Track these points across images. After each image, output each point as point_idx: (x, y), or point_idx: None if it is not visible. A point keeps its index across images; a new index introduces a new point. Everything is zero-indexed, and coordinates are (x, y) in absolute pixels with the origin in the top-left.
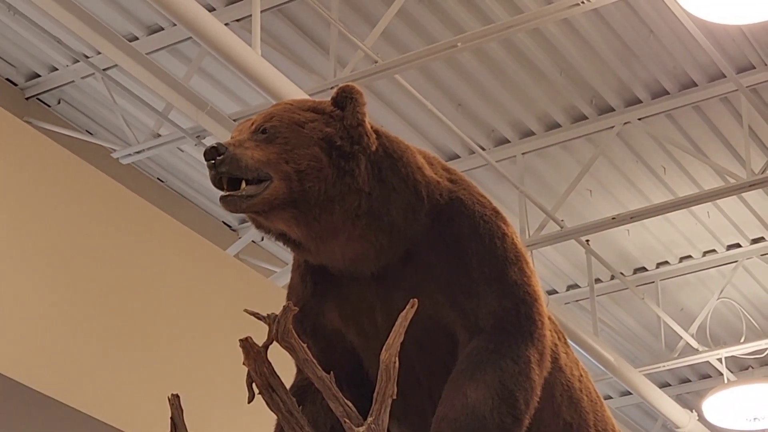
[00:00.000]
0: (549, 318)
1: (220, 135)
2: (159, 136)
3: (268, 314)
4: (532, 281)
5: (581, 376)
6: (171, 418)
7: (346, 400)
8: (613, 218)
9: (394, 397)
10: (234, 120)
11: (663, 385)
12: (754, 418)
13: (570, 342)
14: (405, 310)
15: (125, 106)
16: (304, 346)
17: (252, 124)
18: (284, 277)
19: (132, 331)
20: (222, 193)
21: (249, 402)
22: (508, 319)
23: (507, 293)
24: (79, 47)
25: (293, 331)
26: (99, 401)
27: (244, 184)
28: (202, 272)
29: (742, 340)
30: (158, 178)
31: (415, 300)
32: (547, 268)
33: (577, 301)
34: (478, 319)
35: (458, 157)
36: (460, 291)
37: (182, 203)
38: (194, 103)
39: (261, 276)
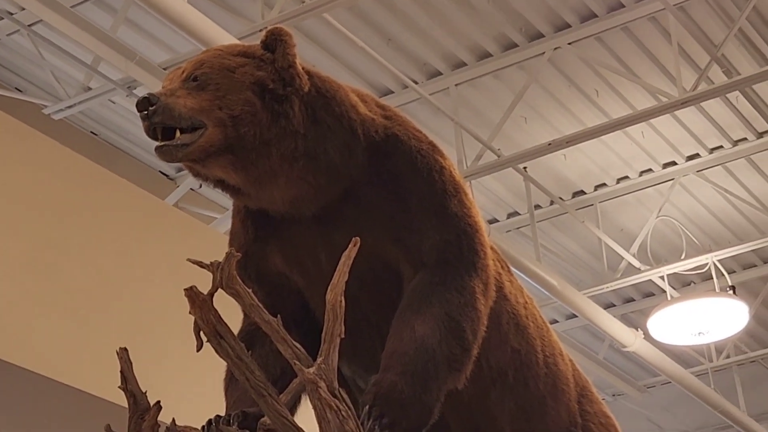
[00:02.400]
0: (491, 248)
1: (150, 85)
2: (89, 89)
3: (211, 262)
4: (472, 212)
5: (526, 303)
6: (120, 371)
7: (294, 343)
8: (549, 144)
9: (342, 336)
10: (164, 69)
11: (607, 306)
12: (699, 333)
13: (513, 269)
14: (348, 249)
15: (53, 61)
16: (249, 291)
17: (182, 72)
18: (225, 223)
19: (74, 286)
20: (157, 143)
21: (198, 350)
22: (451, 251)
23: (448, 226)
24: (2, 4)
25: (237, 277)
26: (44, 358)
27: (178, 133)
28: (141, 223)
29: (682, 257)
30: (91, 132)
31: (357, 239)
32: (486, 198)
33: (518, 228)
34: (421, 253)
35: (391, 92)
36: (402, 227)
37: (118, 155)
38: (123, 54)
39: (201, 223)
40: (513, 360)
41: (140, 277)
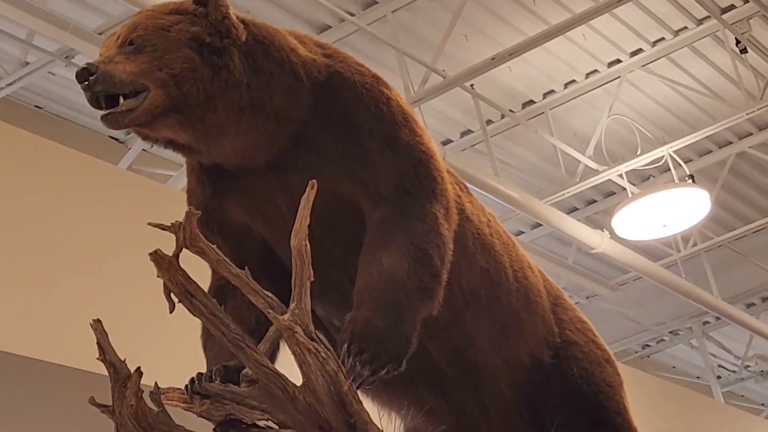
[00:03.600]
0: (448, 171)
1: (88, 52)
2: (27, 64)
3: (172, 223)
4: (424, 139)
5: (489, 221)
6: (97, 343)
7: (265, 292)
8: (493, 59)
9: (312, 279)
10: (99, 34)
11: (571, 210)
12: (663, 225)
13: (473, 187)
14: (306, 193)
15: None
16: (214, 247)
17: (118, 37)
18: (181, 179)
19: (40, 262)
20: (102, 112)
21: (170, 312)
22: (408, 180)
23: (402, 156)
24: None
25: (200, 235)
26: (14, 335)
27: (122, 100)
28: (95, 191)
29: (638, 153)
30: (36, 106)
31: (314, 181)
32: (437, 119)
33: (473, 146)
34: (378, 186)
35: (329, 27)
36: (356, 163)
37: (65, 126)
38: (56, 25)
39: (157, 183)
40: (483, 279)
41: (102, 244)
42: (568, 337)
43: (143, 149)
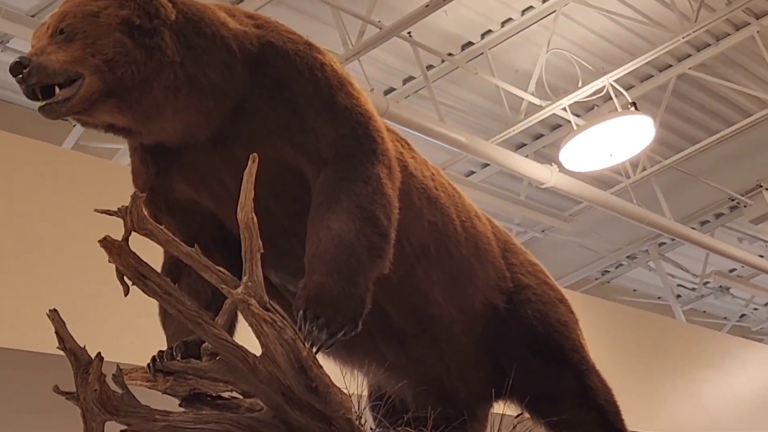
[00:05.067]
0: (388, 129)
1: (22, 34)
2: None
3: (119, 208)
4: (361, 101)
5: (433, 175)
6: (55, 332)
7: (217, 267)
8: (427, 6)
9: (262, 251)
10: (32, 16)
11: (519, 147)
12: (610, 154)
13: (419, 134)
14: (248, 166)
15: None
16: (162, 228)
17: (48, 27)
18: (128, 153)
19: None
20: (39, 103)
21: (125, 295)
22: (349, 143)
23: (340, 120)
24: None
25: (147, 217)
26: None
27: (57, 90)
28: (40, 173)
29: (579, 85)
30: None
31: (255, 155)
32: (379, 69)
33: (416, 92)
34: (320, 152)
35: None
36: (296, 130)
37: (7, 109)
38: None
39: (103, 160)
40: (431, 233)
41: (51, 227)
42: (521, 280)
43: None
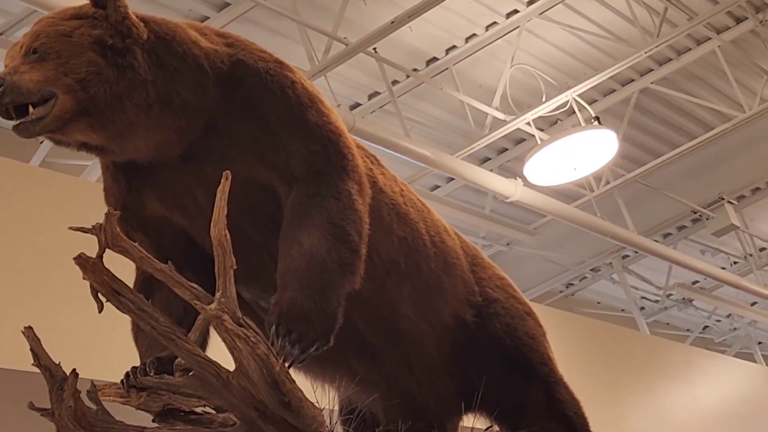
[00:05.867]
0: (357, 146)
1: None
2: None
3: (93, 225)
4: (332, 118)
5: (402, 190)
6: (30, 349)
7: (190, 284)
8: (392, 22)
9: (235, 267)
10: (1, 34)
11: (483, 161)
12: (574, 168)
13: (385, 149)
14: (221, 184)
15: None
16: (136, 245)
17: (21, 47)
18: (97, 169)
19: None
20: (13, 122)
21: (99, 312)
22: (319, 160)
23: (311, 137)
24: None
25: (121, 234)
26: None
27: (31, 109)
28: (7, 192)
29: (543, 99)
30: None
31: (228, 172)
32: (345, 85)
33: (381, 107)
34: (291, 169)
35: (228, 4)
36: (267, 148)
37: None
38: None
39: (71, 177)
40: (401, 248)
41: (22, 244)
42: (489, 294)
43: None
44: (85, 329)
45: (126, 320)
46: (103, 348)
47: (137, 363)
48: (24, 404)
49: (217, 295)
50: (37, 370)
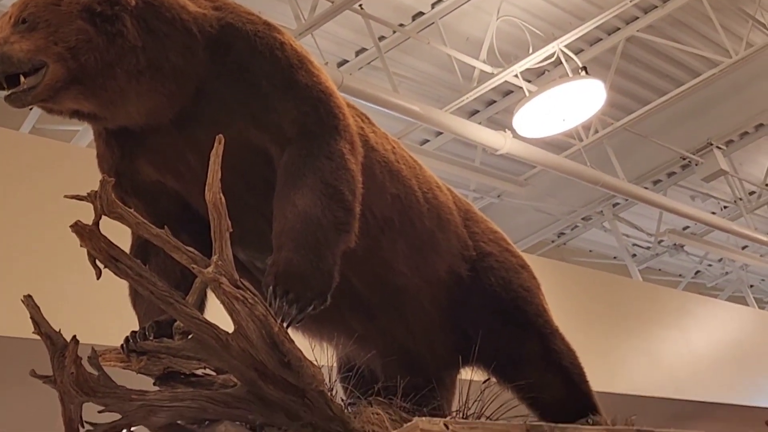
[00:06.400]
0: (348, 105)
1: None
2: None
3: (88, 193)
4: (322, 78)
5: (394, 148)
6: (31, 317)
7: (187, 248)
8: None
9: (230, 230)
10: None
11: (472, 114)
12: (563, 119)
13: (374, 106)
14: (214, 148)
15: None
16: (132, 211)
17: (9, 17)
18: (87, 134)
19: None
20: (4, 93)
21: (98, 278)
22: (311, 121)
23: (302, 98)
24: None
25: (117, 201)
26: None
27: (23, 79)
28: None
29: (530, 51)
30: None
31: (221, 136)
32: (332, 42)
33: (369, 63)
34: (283, 130)
35: None
36: (258, 110)
37: None
38: None
39: (62, 143)
40: (395, 205)
41: (15, 213)
42: (483, 248)
43: None
44: (83, 296)
45: (123, 286)
46: (102, 314)
47: (136, 328)
48: (25, 372)
49: (214, 257)
50: (37, 337)
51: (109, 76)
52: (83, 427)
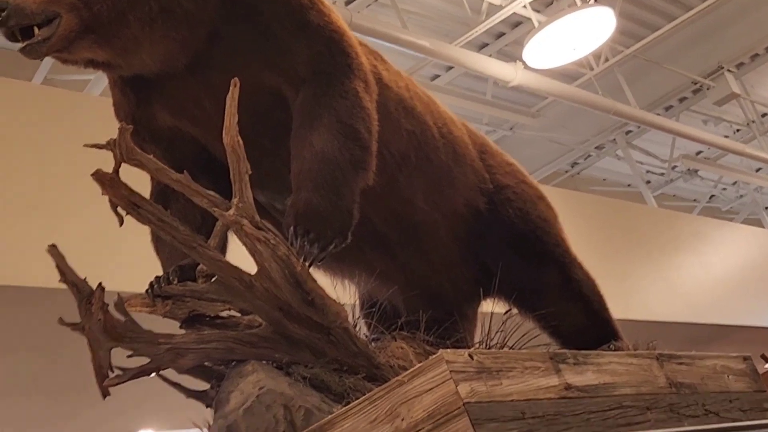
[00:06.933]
0: (360, 44)
1: None
2: None
3: (108, 141)
4: (333, 18)
5: (407, 85)
6: (56, 266)
7: (207, 191)
8: None
9: (249, 172)
10: None
11: (482, 47)
12: (573, 48)
13: (385, 43)
14: (230, 91)
15: None
16: (151, 157)
17: None
18: (99, 83)
19: None
20: (19, 45)
21: (120, 225)
22: (324, 61)
23: (314, 38)
24: None
25: (136, 148)
26: None
27: (36, 30)
28: (17, 111)
29: None
30: None
31: (236, 79)
32: None
33: (377, 0)
34: (296, 71)
35: None
36: (271, 52)
37: None
38: None
39: (74, 93)
40: (410, 141)
41: (35, 163)
42: (499, 181)
43: None
44: (105, 243)
45: (145, 232)
46: (125, 260)
47: (160, 273)
48: (50, 322)
49: (235, 200)
50: (63, 286)
51: (122, 24)
52: (113, 372)
